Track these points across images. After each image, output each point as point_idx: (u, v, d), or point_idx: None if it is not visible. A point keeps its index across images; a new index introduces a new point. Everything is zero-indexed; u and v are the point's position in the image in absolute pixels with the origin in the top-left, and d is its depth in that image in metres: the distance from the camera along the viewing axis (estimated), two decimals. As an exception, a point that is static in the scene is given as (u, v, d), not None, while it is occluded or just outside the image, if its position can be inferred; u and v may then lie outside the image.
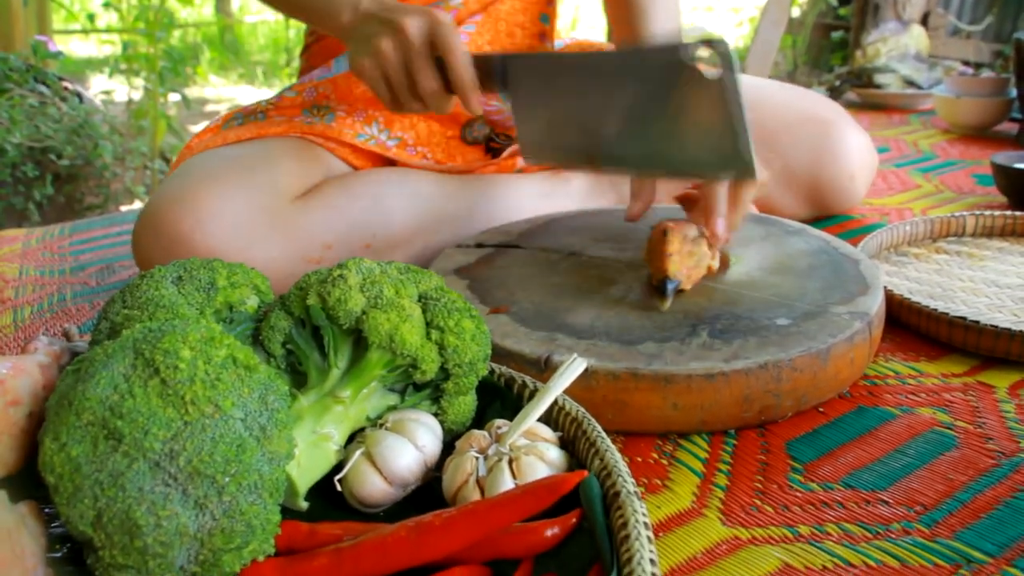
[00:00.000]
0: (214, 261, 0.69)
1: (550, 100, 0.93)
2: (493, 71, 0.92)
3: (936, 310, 0.89)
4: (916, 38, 2.45)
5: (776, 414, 0.76)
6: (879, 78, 2.29)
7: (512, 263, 0.97)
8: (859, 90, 2.33)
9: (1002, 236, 1.17)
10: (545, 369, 0.75)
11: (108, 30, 5.12)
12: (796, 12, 4.06)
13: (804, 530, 0.63)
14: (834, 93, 2.40)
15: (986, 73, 2.26)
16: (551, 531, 0.54)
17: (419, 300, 0.65)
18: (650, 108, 0.85)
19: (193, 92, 4.80)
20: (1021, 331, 0.84)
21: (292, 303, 0.66)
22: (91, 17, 4.15)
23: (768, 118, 1.20)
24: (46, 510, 0.56)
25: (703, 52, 0.78)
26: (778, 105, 1.23)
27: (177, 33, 5.60)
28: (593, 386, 0.73)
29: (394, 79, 0.93)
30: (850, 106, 2.18)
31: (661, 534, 0.64)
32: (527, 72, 0.92)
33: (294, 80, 1.23)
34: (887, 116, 2.15)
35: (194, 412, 0.50)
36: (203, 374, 0.51)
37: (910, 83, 2.27)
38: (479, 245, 1.03)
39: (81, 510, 0.49)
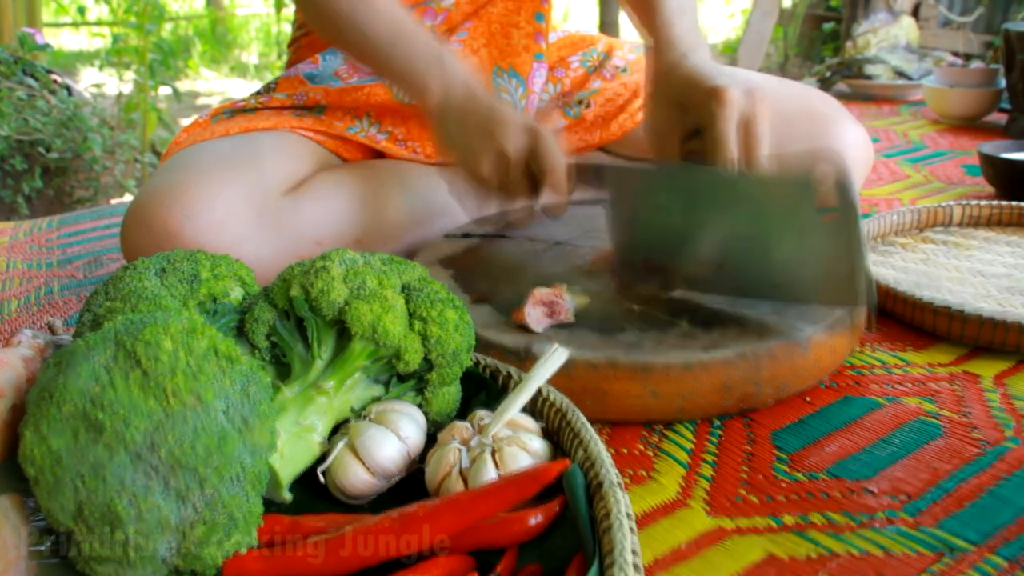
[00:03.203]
0: (197, 253, 0.69)
1: (649, 214, 0.87)
2: (587, 180, 0.92)
3: (921, 299, 0.90)
4: (906, 29, 2.45)
5: (756, 402, 0.76)
6: (869, 69, 2.30)
7: (497, 253, 0.97)
8: (849, 81, 2.33)
9: (988, 226, 1.17)
10: (526, 359, 0.75)
11: (98, 23, 5.10)
12: (787, 3, 4.05)
13: (789, 520, 0.63)
14: (825, 84, 2.41)
15: (976, 64, 2.26)
16: (535, 519, 0.54)
17: (402, 291, 0.65)
18: (766, 233, 0.79)
19: (184, 85, 4.79)
20: (1005, 320, 0.84)
21: (276, 295, 0.65)
22: (81, 10, 4.15)
23: None
24: (29, 503, 0.55)
25: (826, 171, 0.73)
26: (775, 99, 1.23)
27: (168, 26, 5.58)
28: (573, 375, 0.73)
29: (493, 191, 0.95)
30: (841, 97, 2.17)
31: (646, 525, 0.64)
32: (628, 184, 0.87)
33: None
34: (877, 107, 2.15)
35: (175, 403, 0.50)
36: (185, 365, 0.51)
37: (900, 74, 2.27)
38: (466, 236, 1.03)
39: (62, 502, 0.49)
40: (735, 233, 0.81)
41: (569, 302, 0.79)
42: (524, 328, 0.78)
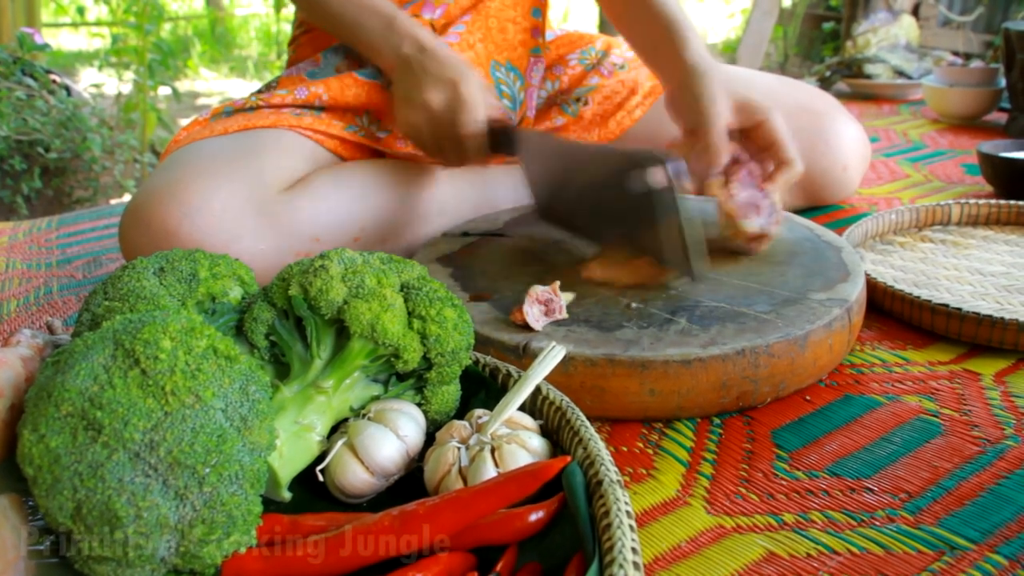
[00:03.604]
0: (196, 252, 0.69)
1: (549, 174, 1.01)
2: (502, 139, 0.98)
3: (919, 298, 0.89)
4: (906, 28, 2.45)
5: (754, 400, 0.76)
6: (869, 68, 2.29)
7: (495, 251, 0.97)
8: (849, 80, 2.33)
9: (987, 224, 1.17)
10: (524, 356, 0.75)
11: (98, 23, 5.09)
12: (787, 2, 4.05)
13: (789, 518, 0.63)
14: (825, 83, 2.40)
15: (976, 63, 2.26)
16: (535, 516, 0.54)
17: (401, 290, 0.65)
18: (618, 202, 0.90)
19: (184, 85, 4.79)
20: (1003, 318, 0.84)
21: (274, 294, 0.65)
22: (81, 10, 4.14)
23: None
24: (29, 502, 0.55)
25: (653, 169, 0.84)
26: (772, 97, 1.23)
27: (168, 26, 5.58)
28: (571, 372, 0.73)
29: (426, 146, 1.02)
30: (840, 96, 2.17)
31: (646, 523, 0.64)
32: (531, 147, 0.99)
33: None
34: (877, 106, 2.15)
35: (174, 402, 0.50)
36: (183, 364, 0.51)
37: (900, 73, 2.27)
38: (465, 234, 1.03)
39: (60, 502, 0.49)
40: (600, 197, 0.94)
41: (562, 299, 0.80)
42: (524, 327, 0.78)
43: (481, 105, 0.97)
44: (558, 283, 0.81)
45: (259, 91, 1.17)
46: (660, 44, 1.03)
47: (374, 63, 1.07)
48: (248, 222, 0.96)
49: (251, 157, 1.01)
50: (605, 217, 0.95)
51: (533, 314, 0.77)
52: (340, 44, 1.14)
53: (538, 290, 0.79)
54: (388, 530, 0.53)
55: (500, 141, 0.98)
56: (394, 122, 1.07)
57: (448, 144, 0.99)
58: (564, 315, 0.80)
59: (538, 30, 1.20)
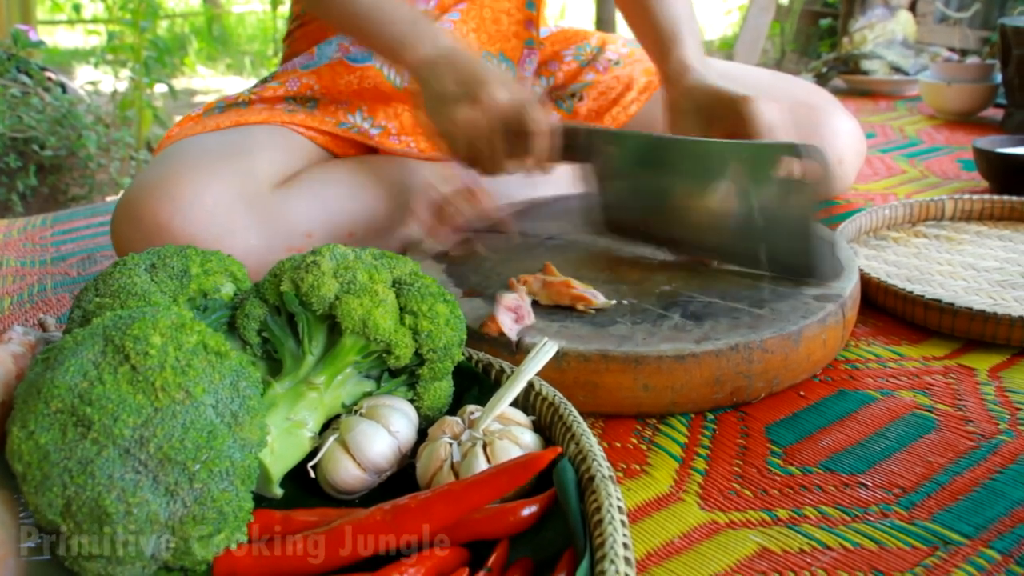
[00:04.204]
0: (188, 248, 0.69)
1: (633, 178, 0.95)
2: (574, 143, 0.93)
3: (912, 293, 0.89)
4: (903, 24, 2.44)
5: (748, 395, 0.76)
6: (866, 64, 2.29)
7: (489, 247, 0.97)
8: (846, 76, 2.32)
9: (980, 220, 1.17)
10: (517, 352, 0.75)
11: (94, 20, 5.09)
12: (784, -1, 4.05)
13: (782, 514, 0.63)
14: (821, 80, 2.40)
15: (972, 59, 2.26)
16: (528, 510, 0.54)
17: (393, 285, 0.65)
18: (737, 202, 0.86)
19: (181, 83, 4.78)
20: (996, 313, 0.84)
21: (267, 290, 0.65)
22: (77, 7, 4.13)
23: None
24: (20, 500, 0.55)
25: (810, 155, 0.80)
26: (768, 92, 1.23)
27: (164, 23, 5.57)
28: (564, 368, 0.73)
29: (474, 148, 0.93)
30: (837, 92, 2.17)
31: (639, 519, 0.63)
32: (611, 147, 0.93)
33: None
34: (873, 102, 2.15)
35: (164, 398, 0.50)
36: (173, 360, 0.51)
37: (896, 69, 2.27)
38: (459, 230, 1.03)
39: (50, 498, 0.48)
40: (710, 199, 0.89)
41: (528, 303, 0.80)
42: (499, 336, 0.77)
43: (544, 110, 0.91)
44: (524, 288, 0.81)
45: (254, 87, 1.17)
46: (657, 39, 1.03)
47: (396, 62, 0.99)
48: (240, 218, 0.96)
49: (243, 153, 1.01)
50: (716, 224, 0.89)
51: (507, 323, 0.77)
52: (334, 37, 1.14)
53: (507, 298, 0.78)
54: (380, 525, 0.52)
55: (572, 145, 0.93)
56: (417, 123, 1.01)
57: (504, 147, 0.91)
58: (532, 320, 0.79)
59: (532, 22, 1.20)
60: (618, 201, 0.97)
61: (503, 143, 0.91)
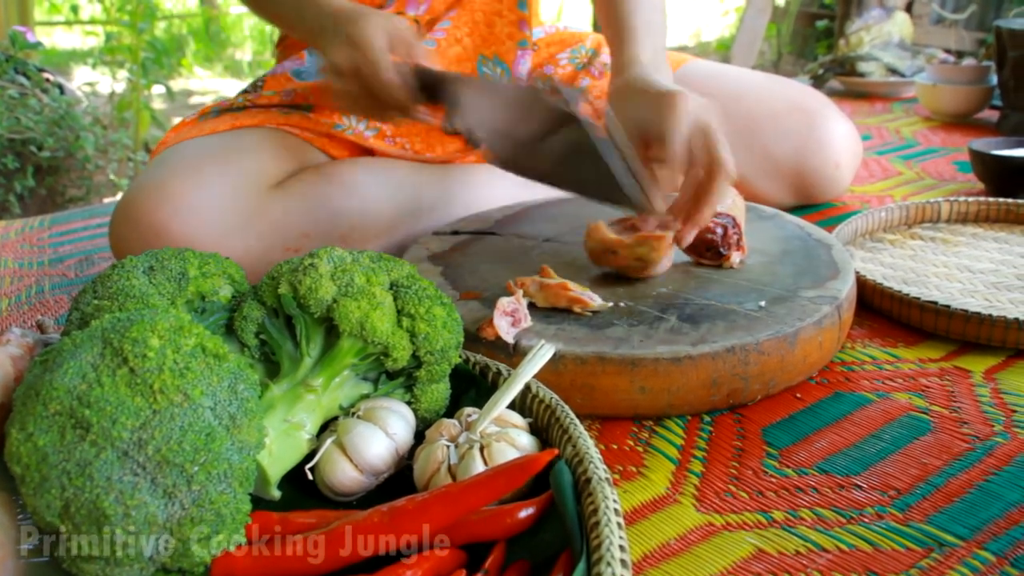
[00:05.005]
0: (186, 251, 0.69)
1: (482, 119, 0.94)
2: (429, 85, 0.93)
3: (907, 295, 0.90)
4: (900, 25, 2.45)
5: (744, 397, 0.77)
6: (862, 66, 2.29)
7: (486, 250, 0.97)
8: (842, 78, 2.33)
9: (976, 222, 1.17)
10: (514, 354, 0.75)
11: (91, 21, 5.08)
12: (781, 1, 4.06)
13: (778, 515, 0.64)
14: (818, 81, 2.40)
15: (968, 61, 2.26)
16: (525, 512, 0.54)
17: (390, 288, 0.65)
18: (546, 140, 0.87)
19: (178, 84, 4.77)
20: (991, 315, 0.84)
21: (264, 292, 0.65)
22: (74, 8, 4.12)
23: (753, 108, 1.20)
24: (19, 501, 0.55)
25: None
26: (763, 95, 1.24)
27: (162, 24, 5.56)
28: (561, 370, 0.74)
29: (353, 110, 0.97)
30: (833, 94, 2.18)
31: (635, 521, 0.64)
32: (461, 92, 0.93)
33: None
34: (870, 104, 2.15)
35: (163, 401, 0.50)
36: (172, 363, 0.51)
37: (893, 71, 2.27)
38: (455, 232, 1.03)
39: (48, 500, 0.49)
40: (531, 137, 0.89)
41: (525, 306, 0.80)
42: (497, 340, 0.77)
43: (379, 48, 0.89)
44: (520, 291, 0.81)
45: (245, 91, 1.17)
46: (617, 32, 1.02)
47: (311, 41, 1.01)
48: (237, 219, 0.96)
49: (240, 155, 1.01)
50: (547, 157, 0.90)
51: (503, 327, 0.77)
52: None
53: (504, 302, 0.79)
54: (378, 526, 0.53)
55: (427, 86, 0.92)
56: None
57: (371, 101, 0.92)
58: (529, 323, 0.79)
59: (524, 22, 1.20)
60: (484, 136, 0.97)
61: (363, 99, 0.93)
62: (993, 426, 0.74)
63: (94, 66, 3.32)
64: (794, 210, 1.25)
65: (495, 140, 0.95)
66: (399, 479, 0.62)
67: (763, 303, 0.81)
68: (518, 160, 0.94)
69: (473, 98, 0.94)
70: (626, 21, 1.01)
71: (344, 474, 0.59)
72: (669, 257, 0.88)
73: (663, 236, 0.85)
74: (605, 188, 0.84)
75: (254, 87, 1.17)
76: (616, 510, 0.50)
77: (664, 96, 0.85)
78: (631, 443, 0.73)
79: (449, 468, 0.58)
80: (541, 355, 0.63)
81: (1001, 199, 1.17)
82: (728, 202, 0.91)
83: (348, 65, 0.90)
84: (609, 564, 0.46)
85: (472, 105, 0.94)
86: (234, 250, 0.91)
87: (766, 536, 0.61)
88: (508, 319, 0.77)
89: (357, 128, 1.12)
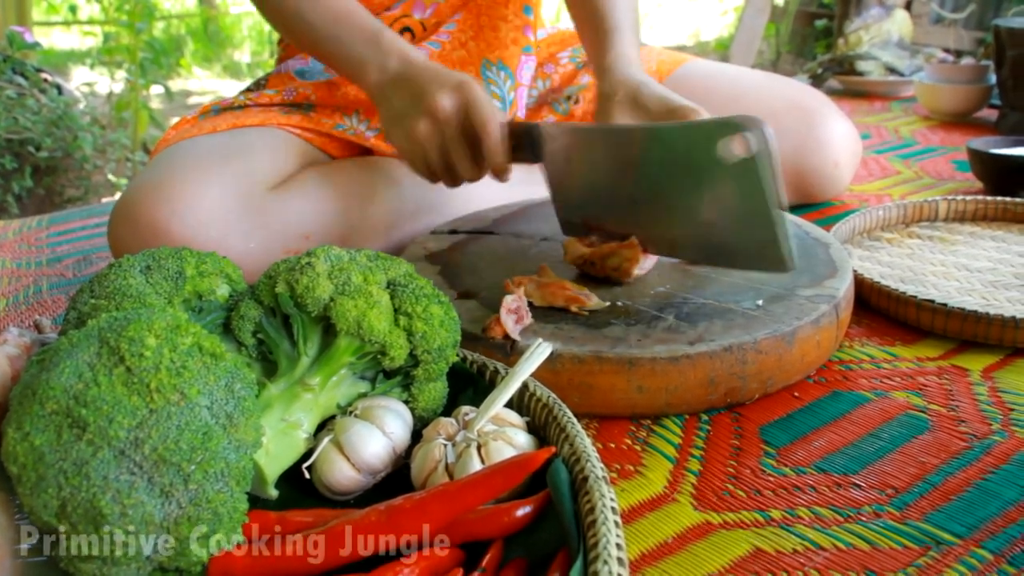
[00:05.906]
0: (183, 250, 0.69)
1: (585, 172, 0.90)
2: (524, 142, 0.90)
3: (905, 293, 0.90)
4: (899, 23, 2.45)
5: (742, 396, 0.77)
6: (861, 65, 2.29)
7: (484, 249, 0.97)
8: (841, 77, 2.33)
9: (974, 221, 1.17)
10: (511, 353, 0.75)
11: (90, 21, 5.08)
12: (780, 0, 4.06)
13: (776, 514, 0.64)
14: (817, 80, 2.41)
15: (967, 60, 2.26)
16: (522, 511, 0.54)
17: (388, 287, 0.65)
18: (688, 188, 0.81)
19: (177, 84, 4.77)
20: (988, 314, 0.84)
21: (262, 292, 0.65)
22: (72, 8, 4.12)
23: (752, 107, 1.20)
24: (16, 501, 0.55)
25: (748, 131, 0.73)
26: (762, 94, 1.24)
27: (160, 25, 5.56)
28: (558, 369, 0.74)
29: (433, 162, 0.92)
30: (832, 93, 2.18)
31: (633, 519, 0.64)
32: (561, 142, 0.89)
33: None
34: (869, 103, 2.15)
35: (159, 400, 0.50)
36: (168, 362, 0.51)
37: (892, 70, 2.27)
38: (453, 231, 1.03)
39: (45, 500, 0.49)
40: (664, 187, 0.83)
41: (524, 304, 0.80)
42: (503, 340, 0.77)
43: (492, 106, 0.88)
44: (522, 289, 0.81)
45: (247, 89, 1.17)
46: (598, 31, 1.02)
47: (356, 82, 0.99)
48: (237, 220, 0.96)
49: (240, 155, 1.01)
50: (673, 214, 0.84)
51: (511, 324, 0.77)
52: None
53: (508, 300, 0.79)
54: (375, 525, 0.53)
55: (523, 144, 0.90)
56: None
57: (459, 155, 0.90)
58: (530, 320, 0.79)
59: (529, 28, 1.20)
60: (572, 199, 0.93)
61: (459, 150, 0.90)
62: (991, 424, 0.74)
63: (92, 66, 3.32)
64: (793, 209, 1.25)
65: (588, 190, 0.90)
66: (396, 478, 0.62)
67: (761, 302, 0.81)
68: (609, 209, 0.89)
69: (573, 147, 0.89)
70: (608, 17, 1.01)
71: (341, 473, 0.59)
72: (648, 258, 0.88)
73: (630, 244, 0.86)
74: (761, 259, 0.80)
75: (257, 85, 1.16)
76: (613, 508, 0.50)
77: (678, 112, 0.87)
78: (629, 442, 0.73)
79: (446, 467, 0.58)
80: (539, 354, 0.63)
81: (999, 198, 1.17)
82: None
83: (453, 117, 0.88)
84: (606, 562, 0.46)
85: (568, 155, 0.89)
86: (233, 250, 0.91)
87: (764, 535, 0.61)
88: (513, 316, 0.78)
89: (358, 128, 1.12)
